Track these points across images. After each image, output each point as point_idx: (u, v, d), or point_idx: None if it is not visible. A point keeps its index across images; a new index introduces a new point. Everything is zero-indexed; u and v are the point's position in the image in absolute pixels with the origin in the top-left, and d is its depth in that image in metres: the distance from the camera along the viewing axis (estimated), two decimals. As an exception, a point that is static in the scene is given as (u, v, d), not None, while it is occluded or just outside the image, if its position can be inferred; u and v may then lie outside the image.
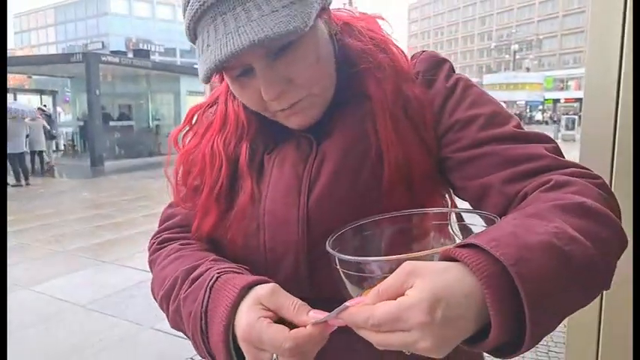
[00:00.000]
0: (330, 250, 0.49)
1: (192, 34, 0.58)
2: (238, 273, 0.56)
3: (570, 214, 0.46)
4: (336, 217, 0.59)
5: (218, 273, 0.56)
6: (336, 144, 0.63)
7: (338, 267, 0.48)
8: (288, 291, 0.58)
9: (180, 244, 0.68)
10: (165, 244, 0.70)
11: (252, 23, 0.51)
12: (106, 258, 4.62)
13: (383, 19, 0.70)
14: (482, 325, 0.41)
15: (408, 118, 0.62)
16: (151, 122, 15.46)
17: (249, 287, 0.52)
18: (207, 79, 0.55)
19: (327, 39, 0.63)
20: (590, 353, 0.99)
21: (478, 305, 0.40)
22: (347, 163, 0.61)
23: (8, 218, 6.45)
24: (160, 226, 0.75)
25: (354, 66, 0.64)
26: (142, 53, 16.25)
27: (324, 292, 0.59)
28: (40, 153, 10.53)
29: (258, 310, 0.49)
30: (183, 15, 0.58)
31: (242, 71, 0.58)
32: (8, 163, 9.04)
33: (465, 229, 0.57)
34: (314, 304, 0.60)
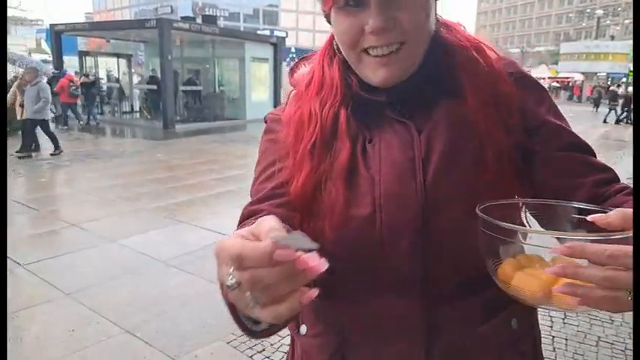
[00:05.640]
0: (482, 215, 0.53)
1: None
2: None
3: None
4: (453, 195, 0.64)
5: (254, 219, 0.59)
6: (438, 128, 0.68)
7: (489, 232, 0.52)
8: (402, 273, 0.66)
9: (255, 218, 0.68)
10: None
11: None
12: (182, 218, 4.92)
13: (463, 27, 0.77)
14: None
15: (497, 109, 0.68)
16: (216, 87, 15.84)
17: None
18: None
19: (434, 16, 0.68)
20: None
21: None
22: (453, 145, 0.67)
23: (93, 174, 7.02)
24: (240, 220, 0.73)
25: (449, 56, 0.70)
26: (209, 19, 16.40)
27: (437, 272, 0.66)
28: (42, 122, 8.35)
29: (242, 231, 0.46)
30: None
31: (352, 0, 0.63)
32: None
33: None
34: (426, 288, 0.66)
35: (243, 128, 14.03)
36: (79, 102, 12.64)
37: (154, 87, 13.75)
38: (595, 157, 0.72)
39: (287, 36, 21.52)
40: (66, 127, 11.89)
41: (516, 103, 0.70)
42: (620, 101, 17.52)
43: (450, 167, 0.66)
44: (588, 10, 59.89)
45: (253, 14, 58.58)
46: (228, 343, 2.62)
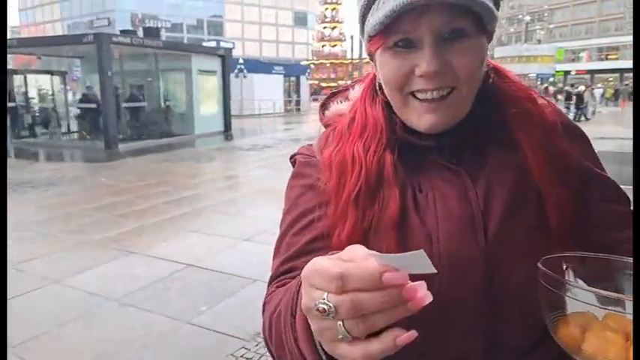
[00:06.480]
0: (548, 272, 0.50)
1: None
2: None
3: None
4: (516, 255, 0.61)
5: None
6: (495, 179, 0.64)
7: (552, 287, 0.49)
8: (461, 339, 0.61)
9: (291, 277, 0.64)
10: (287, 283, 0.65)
11: None
12: (133, 248, 4.58)
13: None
14: None
15: (555, 166, 0.65)
16: (162, 102, 15.31)
17: None
18: (392, 16, 0.56)
19: (485, 62, 0.64)
20: None
21: None
22: (514, 200, 0.63)
23: (28, 207, 6.45)
24: (274, 277, 0.67)
25: (501, 106, 0.67)
26: (152, 32, 15.84)
27: (499, 337, 0.62)
28: None
29: (332, 256, 0.41)
30: None
31: (402, 40, 0.59)
32: None
33: None
34: (488, 354, 0.62)
35: (192, 144, 13.61)
36: None
37: (93, 105, 13.04)
38: (630, 206, 0.71)
39: (234, 47, 21.18)
40: None
41: (574, 160, 0.68)
42: (574, 100, 19.01)
43: (512, 225, 0.62)
44: (519, 16, 63.98)
45: (197, 25, 57.43)
46: (197, 389, 2.42)
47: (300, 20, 63.93)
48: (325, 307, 0.37)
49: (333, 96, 0.79)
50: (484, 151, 0.67)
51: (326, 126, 0.76)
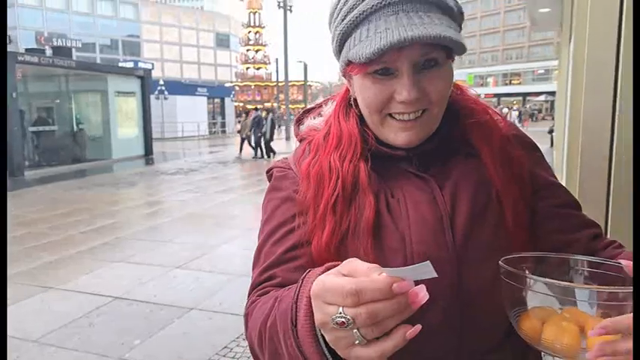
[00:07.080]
0: (510, 269, 0.54)
1: (356, 24, 0.64)
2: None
3: None
4: (481, 255, 0.65)
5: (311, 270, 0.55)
6: (460, 186, 0.69)
7: (515, 283, 0.54)
8: (435, 339, 0.64)
9: (271, 285, 0.67)
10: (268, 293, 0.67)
11: (431, 24, 0.60)
12: (50, 283, 4.21)
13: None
14: None
15: (512, 172, 0.72)
16: (74, 125, 14.34)
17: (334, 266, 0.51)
18: (378, 54, 0.59)
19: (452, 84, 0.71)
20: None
21: None
22: (477, 204, 0.68)
23: None
24: (254, 286, 0.71)
25: (460, 119, 0.74)
26: (63, 51, 14.85)
27: (472, 334, 0.66)
28: None
29: (332, 272, 0.48)
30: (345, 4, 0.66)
31: (381, 69, 0.64)
32: None
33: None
34: (461, 352, 0.66)
35: (109, 169, 12.83)
36: None
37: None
38: (581, 210, 0.77)
39: (153, 68, 20.46)
40: None
41: (526, 168, 0.74)
42: None
43: (478, 225, 0.67)
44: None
45: (111, 45, 54.70)
46: None
47: (223, 42, 63.41)
48: (344, 320, 0.42)
49: (307, 112, 0.84)
50: (449, 159, 0.72)
51: (301, 140, 0.81)
